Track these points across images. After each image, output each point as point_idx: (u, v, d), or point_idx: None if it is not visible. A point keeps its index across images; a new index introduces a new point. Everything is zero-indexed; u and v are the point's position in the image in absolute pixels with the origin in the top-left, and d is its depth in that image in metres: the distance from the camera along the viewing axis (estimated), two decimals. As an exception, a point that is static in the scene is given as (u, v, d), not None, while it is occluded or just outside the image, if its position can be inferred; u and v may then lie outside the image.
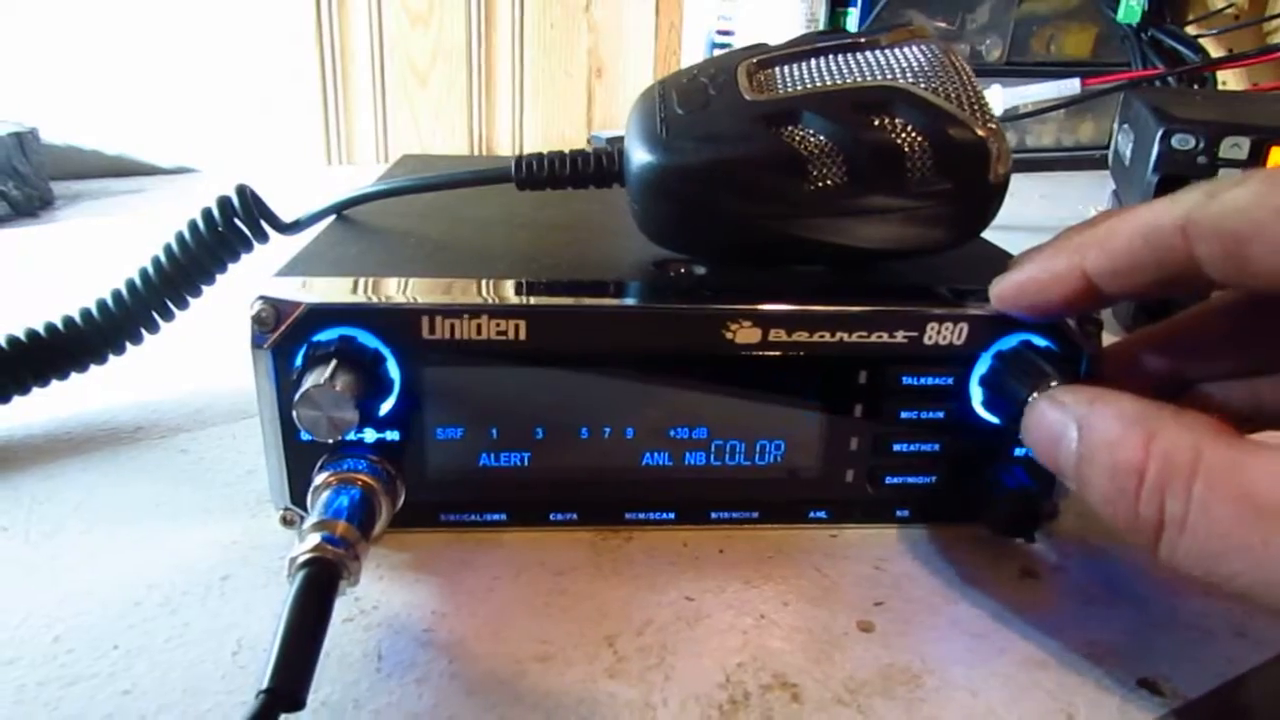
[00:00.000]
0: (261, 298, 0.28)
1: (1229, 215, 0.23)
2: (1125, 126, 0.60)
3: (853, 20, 0.91)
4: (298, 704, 0.21)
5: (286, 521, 0.30)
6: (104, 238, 0.66)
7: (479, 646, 0.26)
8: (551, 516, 0.31)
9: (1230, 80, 1.06)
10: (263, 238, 0.38)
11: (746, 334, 0.29)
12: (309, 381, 0.26)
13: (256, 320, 0.28)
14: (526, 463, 0.30)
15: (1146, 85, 0.77)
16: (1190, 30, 1.01)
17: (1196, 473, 0.21)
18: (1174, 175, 0.50)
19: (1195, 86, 0.89)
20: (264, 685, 0.21)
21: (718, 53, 0.93)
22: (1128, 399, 0.24)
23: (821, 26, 0.89)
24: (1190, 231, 0.24)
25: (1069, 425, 0.24)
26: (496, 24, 0.94)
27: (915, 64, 0.30)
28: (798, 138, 0.29)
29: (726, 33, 0.94)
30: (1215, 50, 1.00)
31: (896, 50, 0.31)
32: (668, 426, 0.30)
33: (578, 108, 1.01)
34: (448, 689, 0.24)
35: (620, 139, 0.33)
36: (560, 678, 0.25)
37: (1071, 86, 0.67)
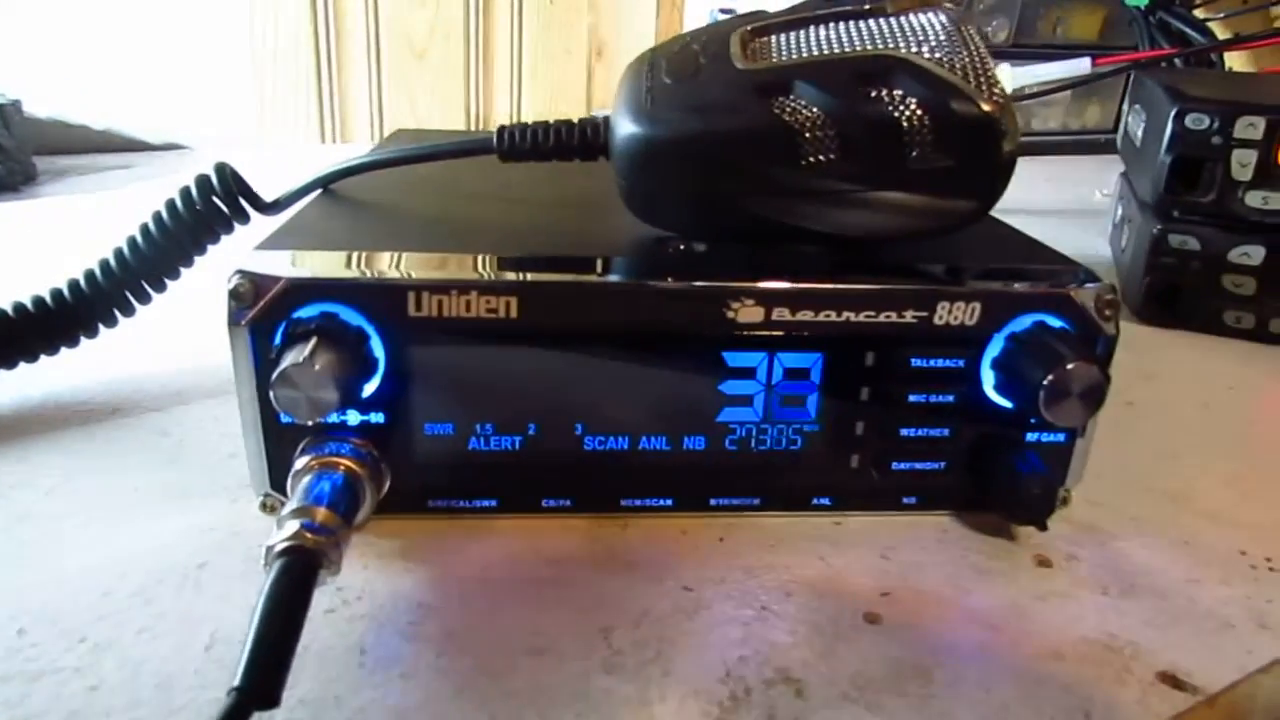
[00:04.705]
0: (239, 272, 0.26)
1: None
2: (1136, 107, 0.58)
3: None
4: (272, 702, 0.20)
5: (267, 508, 0.29)
6: (87, 215, 0.64)
7: (469, 639, 0.25)
8: (545, 503, 0.30)
9: (1236, 64, 1.04)
10: (243, 218, 0.36)
11: (749, 313, 0.28)
12: (287, 360, 0.25)
13: (234, 295, 0.26)
14: (518, 447, 0.29)
15: (1157, 66, 0.75)
16: (1198, 14, 0.99)
17: None
18: (1187, 155, 0.49)
19: (1203, 69, 0.87)
20: (235, 683, 0.20)
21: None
22: None
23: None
24: None
25: None
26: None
27: (921, 33, 0.29)
28: (789, 109, 0.27)
29: (729, 11, 0.92)
30: (1223, 34, 0.98)
31: (902, 19, 0.30)
32: (665, 409, 0.29)
33: (578, 87, 1.00)
34: (436, 684, 0.23)
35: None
36: (554, 672, 0.23)
37: (1082, 65, 0.65)
